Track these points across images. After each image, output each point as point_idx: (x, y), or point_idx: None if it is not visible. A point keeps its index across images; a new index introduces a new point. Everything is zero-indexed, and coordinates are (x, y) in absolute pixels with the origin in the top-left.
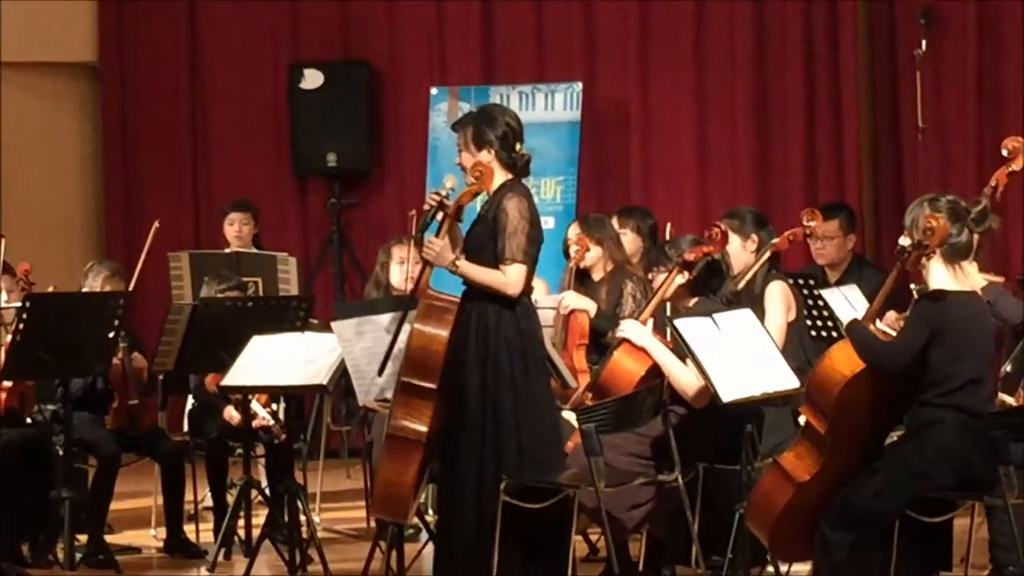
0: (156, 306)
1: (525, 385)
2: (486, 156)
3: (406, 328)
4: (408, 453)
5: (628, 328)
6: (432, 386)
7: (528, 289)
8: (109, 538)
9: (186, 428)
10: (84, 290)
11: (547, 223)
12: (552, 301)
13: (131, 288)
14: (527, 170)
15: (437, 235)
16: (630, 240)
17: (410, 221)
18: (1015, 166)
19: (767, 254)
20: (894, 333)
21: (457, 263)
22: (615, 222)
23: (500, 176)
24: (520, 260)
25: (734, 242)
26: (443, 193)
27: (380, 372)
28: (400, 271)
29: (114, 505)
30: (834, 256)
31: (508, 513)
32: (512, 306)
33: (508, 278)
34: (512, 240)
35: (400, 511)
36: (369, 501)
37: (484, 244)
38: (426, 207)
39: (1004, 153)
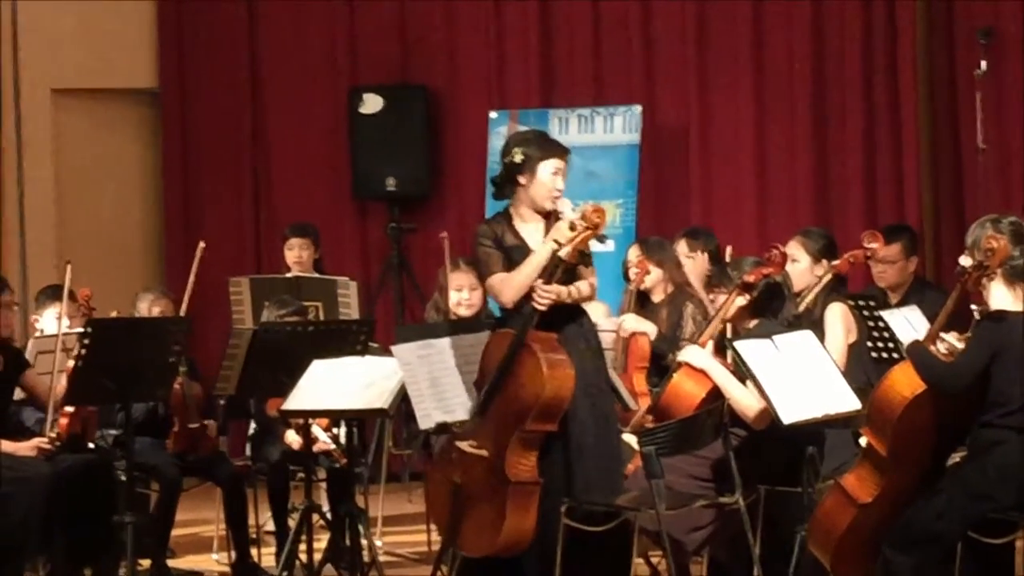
0: (216, 331)
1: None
2: None
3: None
4: (531, 497)
5: (688, 351)
6: (554, 428)
7: None
8: (171, 562)
9: (248, 452)
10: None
11: (607, 246)
12: (612, 324)
13: (184, 311)
14: None
15: (550, 282)
16: (699, 262)
17: (442, 242)
18: None
19: (827, 276)
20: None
21: (570, 291)
22: (684, 244)
23: None
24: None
25: (803, 261)
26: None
27: (481, 413)
28: (456, 298)
29: (176, 529)
30: (895, 279)
31: (569, 536)
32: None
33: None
34: None
35: (521, 548)
36: (431, 526)
37: None
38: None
39: None
